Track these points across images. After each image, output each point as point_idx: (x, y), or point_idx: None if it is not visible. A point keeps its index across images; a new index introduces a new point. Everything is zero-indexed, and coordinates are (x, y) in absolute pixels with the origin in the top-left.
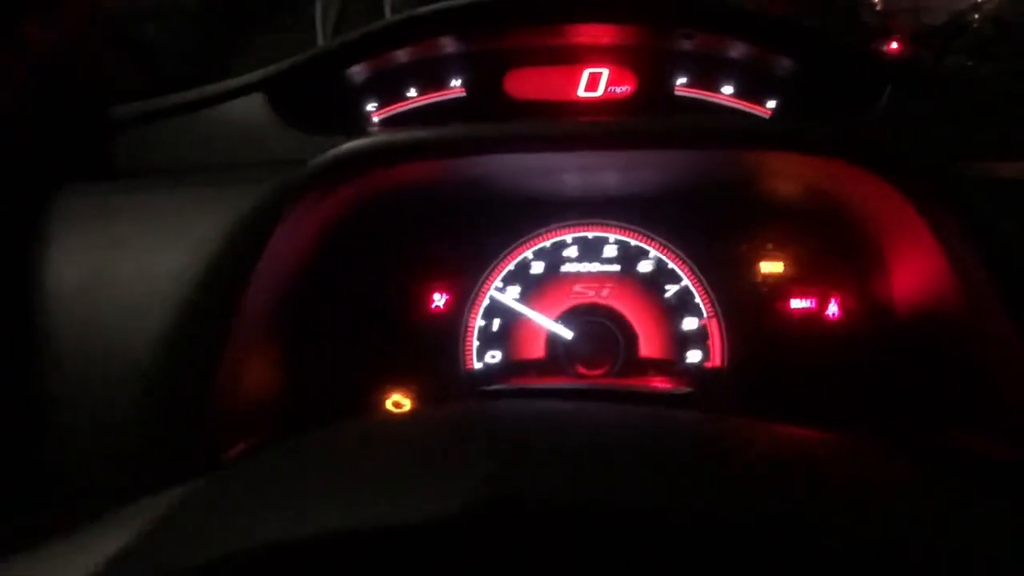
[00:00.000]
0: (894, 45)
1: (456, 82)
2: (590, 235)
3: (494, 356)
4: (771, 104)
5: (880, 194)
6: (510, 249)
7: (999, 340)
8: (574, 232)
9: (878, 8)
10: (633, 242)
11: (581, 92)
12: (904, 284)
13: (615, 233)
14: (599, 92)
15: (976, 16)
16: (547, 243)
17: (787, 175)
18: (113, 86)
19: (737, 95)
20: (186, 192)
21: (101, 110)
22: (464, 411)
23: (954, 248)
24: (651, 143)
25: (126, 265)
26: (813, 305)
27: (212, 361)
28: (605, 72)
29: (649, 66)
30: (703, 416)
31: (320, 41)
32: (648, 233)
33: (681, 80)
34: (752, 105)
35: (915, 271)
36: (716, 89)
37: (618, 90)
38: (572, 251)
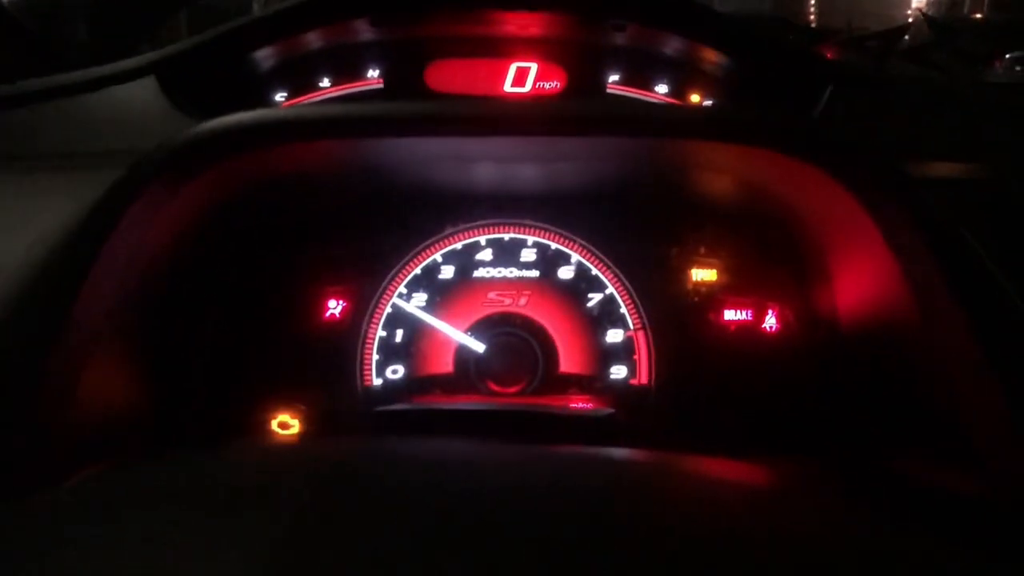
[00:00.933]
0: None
1: (373, 72)
2: (506, 236)
3: (396, 371)
4: (707, 103)
5: (824, 192)
6: (416, 251)
7: (956, 354)
8: (488, 233)
9: (813, 27)
10: (553, 245)
11: (508, 87)
12: (849, 293)
13: (533, 235)
14: (527, 87)
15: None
16: (458, 245)
17: (722, 171)
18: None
19: (671, 94)
20: (34, 179)
21: None
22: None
23: (906, 251)
24: (583, 129)
25: None
26: (749, 317)
27: (45, 365)
28: (534, 67)
29: (580, 61)
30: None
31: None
32: (570, 235)
33: (613, 77)
34: (686, 104)
35: (861, 278)
36: (649, 88)
37: (547, 86)
38: (486, 254)
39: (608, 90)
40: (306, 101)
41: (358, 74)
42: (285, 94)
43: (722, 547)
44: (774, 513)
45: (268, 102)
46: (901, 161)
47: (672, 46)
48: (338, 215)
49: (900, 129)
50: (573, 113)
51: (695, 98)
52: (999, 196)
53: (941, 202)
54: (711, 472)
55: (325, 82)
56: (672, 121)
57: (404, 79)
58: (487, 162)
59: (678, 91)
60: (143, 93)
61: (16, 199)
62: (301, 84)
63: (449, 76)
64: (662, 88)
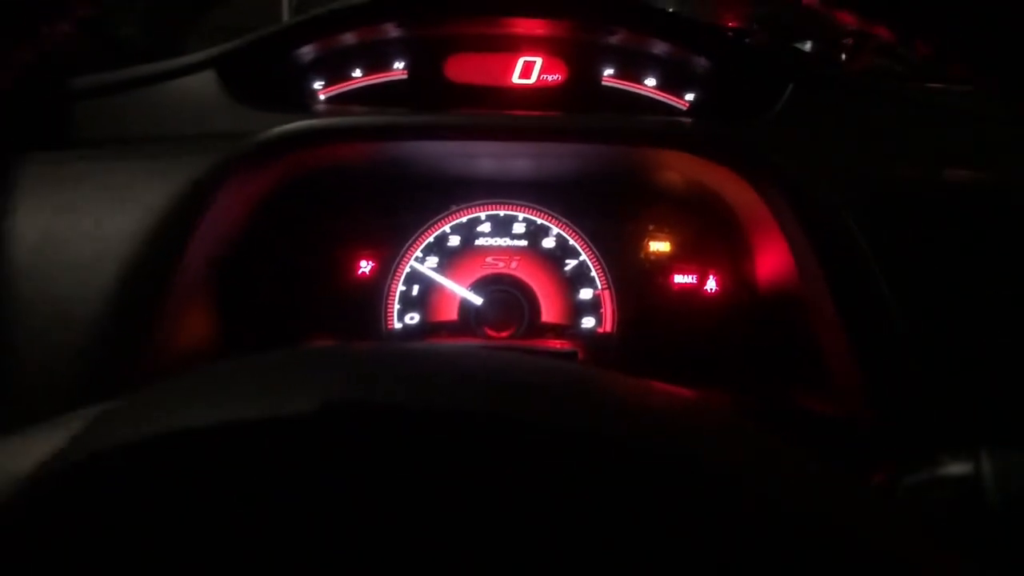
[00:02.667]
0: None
1: (399, 64)
2: (501, 213)
3: (412, 318)
4: (689, 97)
5: (739, 186)
6: (430, 224)
7: (822, 312)
8: (487, 210)
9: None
10: (539, 220)
11: (516, 79)
12: (764, 264)
13: (524, 212)
14: (532, 79)
15: None
16: (463, 219)
17: (671, 166)
18: (74, 59)
19: (659, 87)
20: (136, 162)
21: (60, 81)
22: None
23: (790, 233)
24: (573, 138)
25: (78, 227)
26: (694, 280)
27: (151, 313)
28: (539, 61)
29: (579, 57)
30: (571, 364)
31: (285, 18)
32: (552, 213)
33: (608, 71)
34: (672, 97)
35: (769, 252)
36: (640, 81)
37: (550, 78)
38: (485, 227)
39: (604, 83)
40: (341, 89)
41: (385, 66)
42: (323, 83)
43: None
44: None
45: (308, 90)
46: (853, 157)
47: (659, 47)
48: (368, 195)
49: (860, 126)
50: (552, 125)
51: (679, 91)
52: (956, 196)
53: (893, 198)
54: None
55: (357, 72)
56: (621, 131)
57: (425, 71)
58: (487, 156)
59: (666, 84)
60: (204, 84)
61: (110, 177)
62: (336, 75)
63: (465, 68)
64: (651, 81)
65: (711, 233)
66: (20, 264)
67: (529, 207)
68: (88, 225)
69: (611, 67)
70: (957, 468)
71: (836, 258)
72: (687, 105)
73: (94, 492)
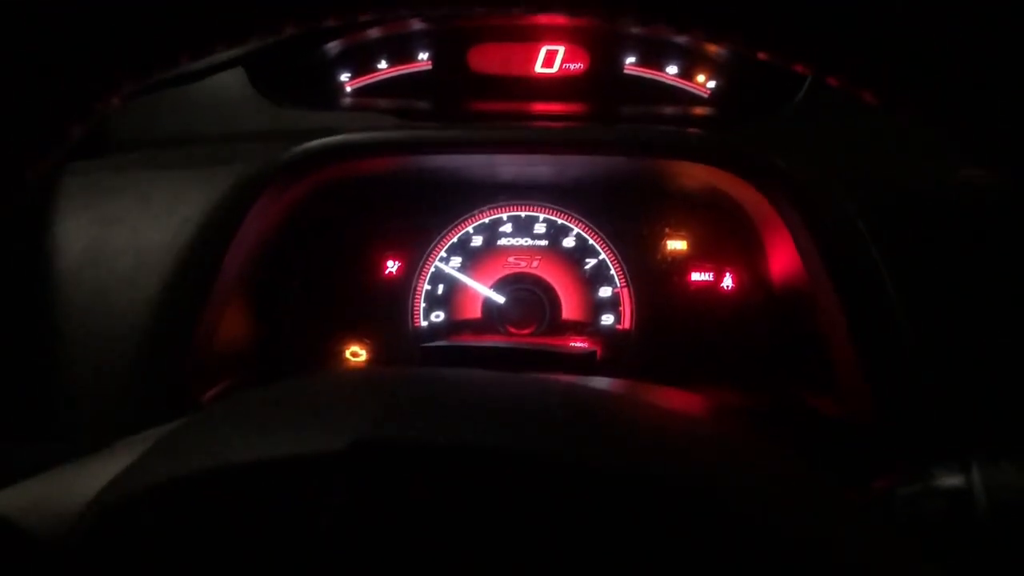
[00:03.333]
0: None
1: (423, 56)
2: (523, 214)
3: (437, 316)
4: (711, 85)
5: (752, 192)
6: (454, 225)
7: (829, 313)
8: (509, 212)
9: None
10: (559, 221)
11: (538, 68)
12: (777, 264)
13: (544, 213)
14: (555, 68)
15: None
16: (486, 220)
17: (688, 172)
18: None
19: (680, 75)
20: (174, 172)
21: None
22: (377, 374)
23: (799, 238)
24: (590, 150)
25: (121, 237)
26: (710, 278)
27: (193, 319)
28: (561, 50)
29: (601, 45)
30: (586, 386)
31: None
32: (573, 214)
33: (630, 59)
34: (694, 85)
35: (782, 253)
36: (661, 69)
37: (572, 67)
38: (507, 227)
39: (625, 71)
40: (367, 81)
41: (410, 57)
42: (349, 75)
43: (642, 441)
44: (689, 424)
45: (335, 84)
46: (867, 157)
47: (679, 36)
48: (394, 199)
49: (875, 121)
50: (571, 138)
51: (700, 78)
52: (967, 200)
53: (859, 205)
54: (659, 396)
55: (383, 64)
56: (636, 143)
57: (449, 61)
58: (509, 162)
59: (686, 72)
60: (233, 82)
61: (148, 189)
62: (362, 67)
63: (488, 58)
64: (672, 69)
65: (726, 233)
66: (66, 275)
67: (550, 208)
68: (129, 237)
69: (633, 55)
70: (950, 480)
71: (842, 261)
72: (708, 93)
73: (144, 523)
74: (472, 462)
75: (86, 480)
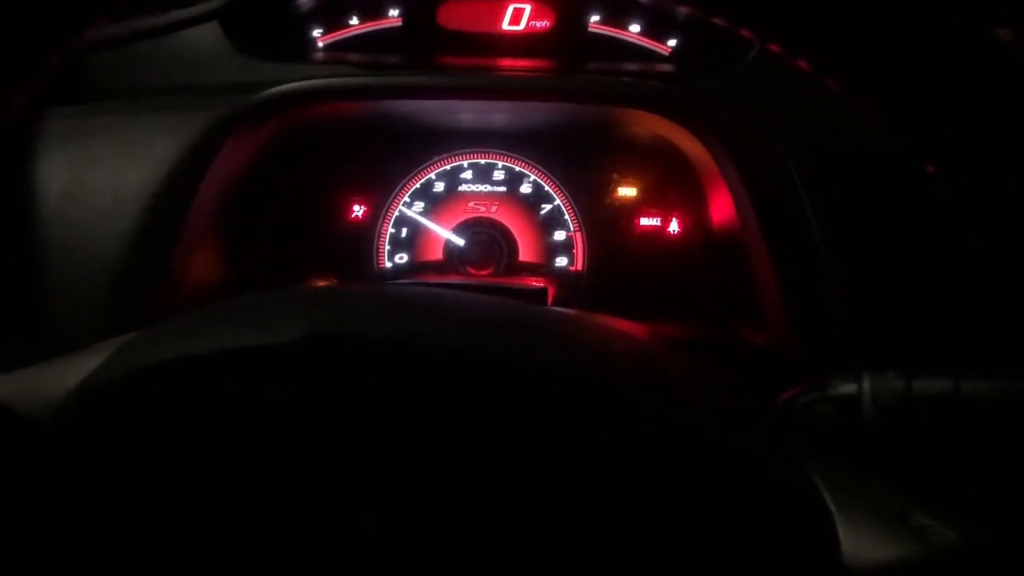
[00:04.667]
0: None
1: (393, 12)
2: (482, 161)
3: (401, 258)
4: (671, 43)
5: (697, 145)
6: (416, 171)
7: (757, 252)
8: (469, 159)
9: None
10: (517, 168)
11: (505, 25)
12: (716, 208)
13: (503, 160)
14: (521, 26)
15: None
16: (447, 167)
17: (638, 122)
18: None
19: (643, 33)
20: (149, 116)
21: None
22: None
23: (731, 181)
24: (550, 97)
25: (99, 177)
26: (658, 223)
27: (165, 254)
28: (528, 8)
29: (566, 4)
30: (536, 306)
31: None
32: (530, 162)
33: (595, 18)
34: (655, 43)
35: (720, 202)
36: (625, 27)
37: (538, 24)
38: (467, 174)
39: (590, 28)
40: (339, 37)
41: (381, 14)
42: (321, 30)
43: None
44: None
45: (307, 39)
46: (805, 112)
47: None
48: (360, 145)
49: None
50: (532, 86)
51: (662, 37)
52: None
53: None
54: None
55: (354, 20)
56: (593, 92)
57: (419, 18)
58: (469, 109)
59: (649, 30)
60: (208, 35)
61: (125, 132)
62: (334, 23)
63: (456, 15)
64: (635, 28)
65: (673, 180)
66: (47, 212)
67: (508, 156)
68: (107, 176)
69: (597, 14)
70: (844, 388)
71: (770, 211)
72: (669, 51)
73: (119, 411)
74: (406, 356)
75: (65, 373)
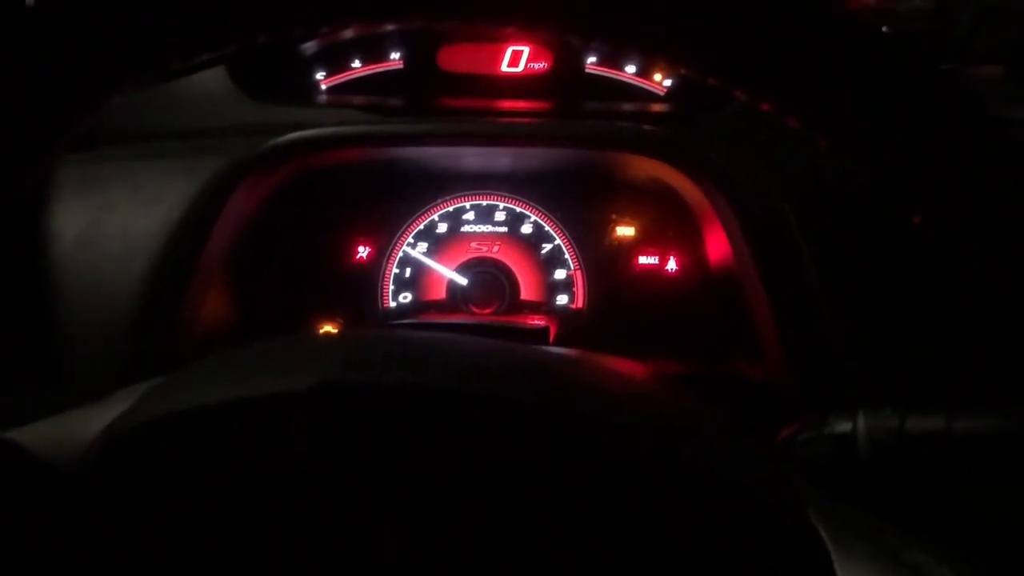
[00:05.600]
0: None
1: (395, 55)
2: (484, 203)
3: (405, 297)
4: (667, 83)
5: (692, 185)
6: (420, 213)
7: (754, 291)
8: (472, 200)
9: None
10: (518, 209)
11: (504, 67)
12: (713, 248)
13: (504, 202)
14: (520, 68)
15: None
16: (450, 208)
17: (636, 166)
18: None
19: (639, 73)
20: (161, 163)
21: None
22: (341, 334)
23: (728, 224)
24: (547, 143)
25: (113, 223)
26: (656, 261)
27: (178, 298)
28: (526, 50)
29: (564, 46)
30: (540, 349)
31: None
32: (530, 203)
33: (591, 59)
34: (651, 83)
35: (716, 238)
36: (621, 68)
37: (536, 66)
38: (470, 215)
39: (587, 70)
40: (341, 79)
41: (382, 57)
42: (324, 73)
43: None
44: (629, 389)
45: (311, 82)
46: (798, 151)
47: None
48: (365, 188)
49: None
50: (530, 131)
51: (657, 77)
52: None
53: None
54: (602, 362)
55: (356, 63)
56: (591, 137)
57: (420, 61)
58: (472, 153)
59: (644, 71)
60: (215, 79)
61: (137, 178)
62: (337, 66)
63: (456, 58)
64: (631, 68)
65: (670, 220)
66: (63, 258)
67: (509, 197)
68: (121, 222)
69: (594, 55)
70: (840, 426)
71: (766, 251)
72: (664, 91)
73: (144, 454)
74: (412, 401)
75: (91, 420)
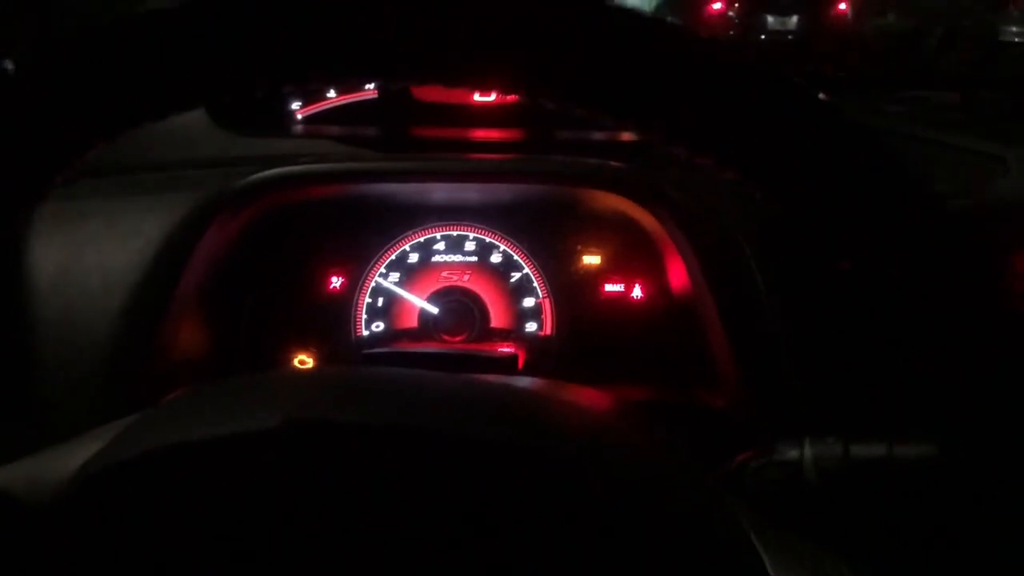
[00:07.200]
0: None
1: (370, 85)
2: (455, 233)
3: (378, 326)
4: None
5: (652, 219)
6: (391, 243)
7: (711, 320)
8: (442, 231)
9: None
10: (487, 239)
11: (477, 97)
12: (674, 276)
13: (474, 232)
14: (492, 97)
15: None
16: (421, 239)
17: (599, 198)
18: None
19: None
20: (137, 199)
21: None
22: (314, 370)
23: (685, 254)
24: (519, 179)
25: (89, 258)
26: (622, 289)
27: (152, 331)
28: None
29: None
30: (503, 384)
31: None
32: (499, 233)
33: None
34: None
35: (676, 267)
36: None
37: (508, 96)
38: (440, 246)
39: None
40: (317, 109)
41: (357, 87)
42: (300, 103)
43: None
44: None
45: (286, 112)
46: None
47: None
48: (337, 221)
49: None
50: (500, 168)
51: None
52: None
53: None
54: (566, 392)
55: (331, 93)
56: (557, 174)
57: (394, 91)
58: (442, 187)
59: None
60: (190, 112)
61: (113, 214)
62: (312, 96)
63: (430, 88)
64: None
65: (634, 249)
66: (40, 293)
67: (478, 228)
68: (97, 257)
69: None
70: (788, 453)
71: (721, 282)
72: None
73: (119, 494)
74: (373, 439)
75: (66, 460)
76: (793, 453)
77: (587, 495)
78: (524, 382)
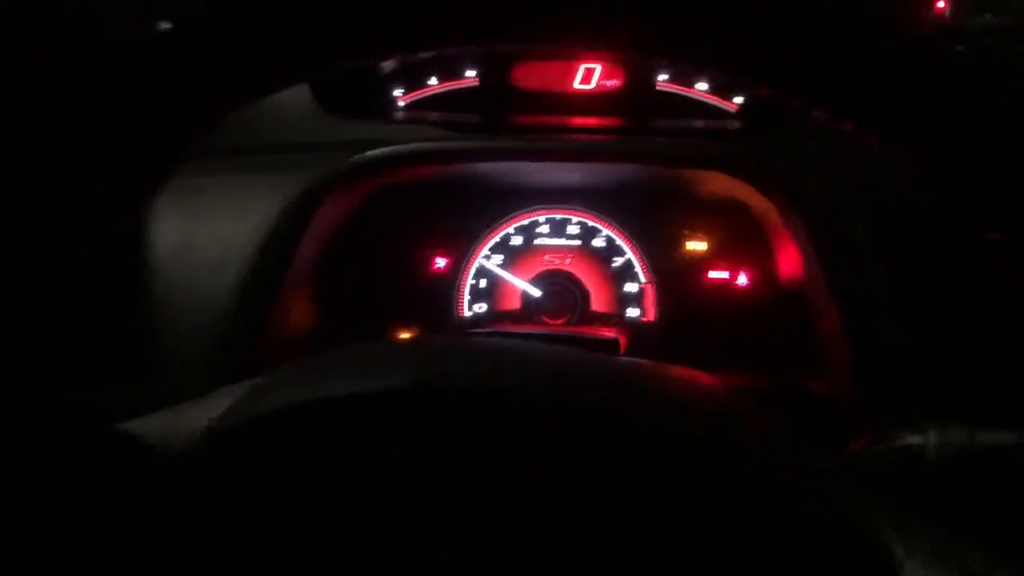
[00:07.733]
0: None
1: (470, 73)
2: (558, 217)
3: (480, 307)
4: (738, 100)
5: (764, 201)
6: (496, 226)
7: (824, 305)
8: (546, 214)
9: None
10: (590, 223)
11: (577, 84)
12: (784, 262)
13: (577, 216)
14: (592, 85)
15: None
16: (524, 222)
17: (708, 181)
18: None
19: (710, 91)
20: (250, 178)
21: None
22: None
23: (799, 238)
24: (623, 159)
25: (207, 232)
26: (727, 276)
27: (267, 304)
28: (598, 68)
29: (636, 63)
30: (617, 359)
31: None
32: (603, 216)
33: (663, 76)
34: (722, 100)
35: (787, 252)
36: (692, 85)
37: (608, 83)
38: (543, 229)
39: (658, 87)
40: (418, 96)
41: (458, 74)
42: (402, 90)
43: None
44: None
45: (389, 98)
46: (870, 167)
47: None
48: (443, 203)
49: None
50: (602, 148)
51: (729, 94)
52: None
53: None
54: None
55: (433, 81)
56: (661, 154)
57: (494, 78)
58: (547, 169)
59: (716, 87)
60: (298, 96)
61: (230, 191)
62: (414, 83)
63: (530, 75)
64: (702, 85)
65: (741, 235)
66: (160, 264)
67: (582, 211)
68: (213, 232)
69: (665, 72)
70: (909, 439)
71: (838, 267)
72: (736, 108)
73: (248, 450)
74: (494, 404)
75: (198, 414)
76: (914, 439)
77: (710, 476)
78: (646, 363)
